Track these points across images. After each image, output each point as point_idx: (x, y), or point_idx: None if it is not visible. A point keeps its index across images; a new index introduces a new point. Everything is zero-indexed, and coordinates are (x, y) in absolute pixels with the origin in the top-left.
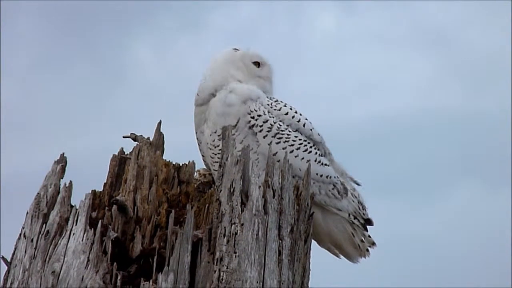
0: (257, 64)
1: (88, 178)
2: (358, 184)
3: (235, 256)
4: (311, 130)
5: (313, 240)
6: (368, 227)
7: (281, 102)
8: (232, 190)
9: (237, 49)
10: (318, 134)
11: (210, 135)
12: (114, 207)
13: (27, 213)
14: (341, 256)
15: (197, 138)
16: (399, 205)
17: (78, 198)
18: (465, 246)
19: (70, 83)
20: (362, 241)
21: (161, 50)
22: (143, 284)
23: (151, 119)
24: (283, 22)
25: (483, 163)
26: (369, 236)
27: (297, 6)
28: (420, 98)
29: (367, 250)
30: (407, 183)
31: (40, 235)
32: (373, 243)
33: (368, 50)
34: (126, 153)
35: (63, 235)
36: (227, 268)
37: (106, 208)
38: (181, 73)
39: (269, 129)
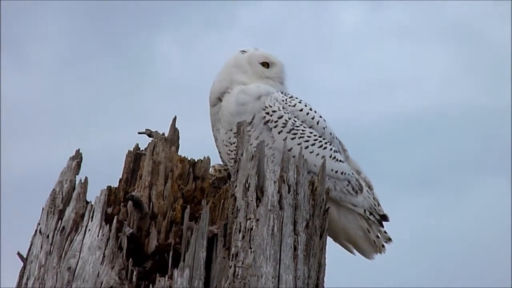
0: (266, 64)
1: (114, 174)
2: (371, 188)
3: (251, 252)
4: (323, 128)
5: (328, 236)
6: (384, 223)
7: (296, 98)
8: (247, 185)
9: (245, 51)
10: (330, 134)
11: (226, 133)
12: (130, 203)
13: (42, 209)
14: (356, 253)
15: (213, 135)
16: (422, 202)
17: (94, 194)
18: (489, 244)
19: (96, 80)
20: (378, 237)
21: (186, 47)
22: (159, 280)
23: (173, 116)
24: (308, 18)
25: (508, 159)
26: (385, 232)
27: (322, 3)
28: (444, 93)
29: (383, 246)
30: (430, 180)
31: (55, 231)
32: (389, 239)
33: (392, 46)
34: (141, 149)
35: (79, 231)
36: (242, 263)
37: (122, 204)
38: (205, 70)
39: (284, 124)
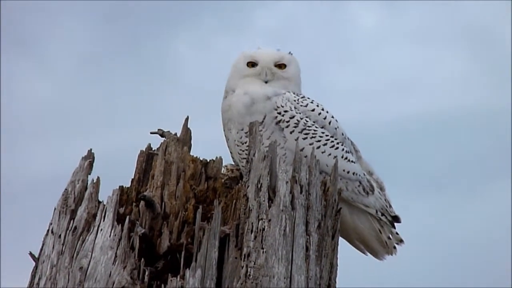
0: (250, 64)
1: (127, 174)
2: (382, 189)
3: (263, 252)
4: (335, 128)
5: (340, 237)
6: (396, 224)
7: (308, 98)
8: (259, 185)
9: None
10: (342, 134)
11: (237, 132)
12: (142, 203)
13: (54, 209)
14: (368, 253)
15: (225, 135)
16: (433, 204)
17: (106, 194)
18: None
19: (113, 80)
20: (389, 238)
21: (202, 48)
22: (171, 280)
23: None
24: (325, 19)
25: None
26: (397, 233)
27: (339, 4)
28: (458, 96)
29: (394, 247)
30: (443, 181)
31: (67, 231)
32: (401, 240)
33: (408, 48)
34: (153, 149)
35: (91, 231)
36: (254, 263)
37: (134, 204)
38: (221, 72)
39: (296, 124)
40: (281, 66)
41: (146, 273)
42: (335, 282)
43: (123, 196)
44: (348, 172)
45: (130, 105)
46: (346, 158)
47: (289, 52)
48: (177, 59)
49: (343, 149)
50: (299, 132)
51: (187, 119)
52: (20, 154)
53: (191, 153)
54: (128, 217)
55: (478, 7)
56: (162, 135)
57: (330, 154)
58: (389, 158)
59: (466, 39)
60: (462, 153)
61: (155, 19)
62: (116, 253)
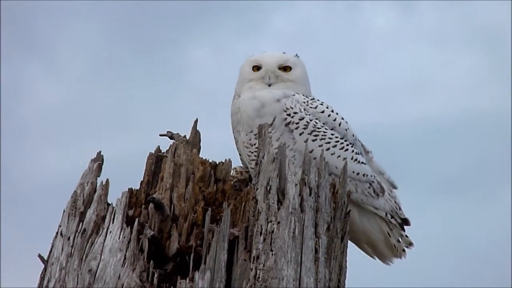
0: (255, 68)
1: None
2: (395, 187)
3: (272, 254)
4: (346, 130)
5: (348, 239)
6: (405, 227)
7: (318, 100)
8: (268, 188)
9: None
10: (353, 135)
11: (246, 134)
12: (151, 205)
13: (64, 211)
14: (375, 257)
15: (234, 137)
16: (449, 207)
17: (115, 196)
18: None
19: (127, 85)
20: (398, 241)
21: (219, 52)
22: (180, 282)
23: (202, 120)
24: (341, 22)
25: None
26: (407, 236)
27: (354, 5)
28: (473, 98)
29: (404, 250)
30: (458, 184)
31: (76, 233)
32: (410, 243)
33: (422, 50)
34: (162, 151)
35: (100, 233)
36: (263, 266)
37: (143, 206)
38: (235, 75)
39: (305, 126)
40: (286, 68)
41: (155, 275)
42: (344, 284)
43: (132, 198)
44: (358, 174)
45: (142, 108)
46: (356, 159)
47: (296, 55)
48: (191, 62)
49: (353, 151)
50: (308, 134)
51: (196, 121)
52: (32, 157)
53: (200, 155)
54: (137, 219)
55: (492, 9)
56: (171, 137)
57: (339, 156)
58: (401, 161)
59: (480, 40)
60: (478, 155)
61: (171, 23)
62: (125, 255)
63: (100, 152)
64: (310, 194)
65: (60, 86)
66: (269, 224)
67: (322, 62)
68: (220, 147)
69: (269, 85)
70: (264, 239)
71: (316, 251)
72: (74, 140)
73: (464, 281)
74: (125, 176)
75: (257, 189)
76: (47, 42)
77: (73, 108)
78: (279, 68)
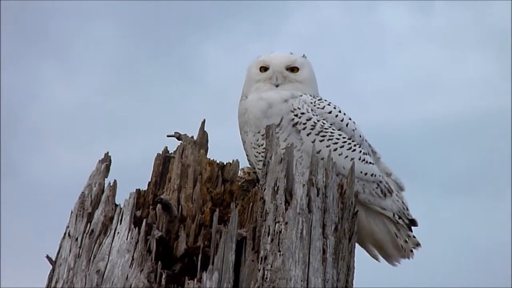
0: (263, 68)
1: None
2: (402, 189)
3: (280, 255)
4: (353, 130)
5: None
6: (413, 228)
7: (325, 100)
8: (276, 188)
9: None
10: (360, 136)
11: (254, 135)
12: (159, 206)
13: (71, 212)
14: (381, 259)
15: (241, 138)
16: (459, 207)
17: (123, 197)
18: None
19: (144, 85)
20: (406, 241)
21: (235, 53)
22: (188, 283)
23: (215, 121)
24: (356, 23)
25: None
26: (414, 237)
27: (369, 5)
28: (483, 99)
29: (411, 251)
30: (473, 184)
31: (84, 234)
32: (418, 244)
33: (434, 50)
34: (170, 152)
35: (108, 234)
36: (271, 266)
37: (151, 207)
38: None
39: (312, 126)
40: (293, 69)
41: (163, 276)
42: (352, 284)
43: (140, 199)
44: (365, 174)
45: (157, 109)
46: (363, 160)
47: (303, 55)
48: (208, 63)
49: (360, 151)
50: (315, 134)
51: (203, 122)
52: (46, 158)
53: (208, 156)
54: (145, 220)
55: (505, 9)
56: (178, 138)
57: (347, 156)
58: (411, 161)
59: (492, 40)
60: (489, 155)
61: (187, 24)
62: (133, 256)
63: (107, 153)
64: (317, 195)
65: (75, 87)
66: (277, 224)
67: (339, 63)
68: (226, 147)
69: (277, 86)
70: (272, 240)
71: (324, 252)
72: (88, 141)
73: (473, 281)
74: (130, 175)
75: (264, 189)
76: (62, 42)
77: (87, 109)
78: (287, 69)
